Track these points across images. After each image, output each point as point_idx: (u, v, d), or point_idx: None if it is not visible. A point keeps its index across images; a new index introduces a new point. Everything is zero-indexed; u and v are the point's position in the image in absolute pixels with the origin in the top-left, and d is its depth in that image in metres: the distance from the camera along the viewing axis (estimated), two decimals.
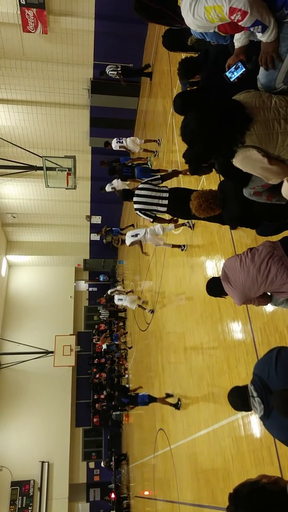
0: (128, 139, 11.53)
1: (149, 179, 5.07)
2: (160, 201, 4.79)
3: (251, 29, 1.96)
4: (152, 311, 11.32)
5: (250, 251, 2.77)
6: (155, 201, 4.80)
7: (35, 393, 19.28)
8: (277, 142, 2.15)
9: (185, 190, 4.92)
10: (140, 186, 4.98)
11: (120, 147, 11.51)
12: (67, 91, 13.81)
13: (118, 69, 11.87)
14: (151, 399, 9.07)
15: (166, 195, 4.79)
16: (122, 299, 13.56)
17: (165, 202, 4.78)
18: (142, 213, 4.97)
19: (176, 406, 7.76)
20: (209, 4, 1.92)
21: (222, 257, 5.44)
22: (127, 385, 16.81)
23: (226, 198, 3.22)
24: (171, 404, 8.03)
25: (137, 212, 5.03)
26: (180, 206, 4.60)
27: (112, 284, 22.36)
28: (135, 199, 4.96)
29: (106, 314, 18.83)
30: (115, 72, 11.85)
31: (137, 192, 4.96)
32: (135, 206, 4.99)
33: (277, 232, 3.39)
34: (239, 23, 1.93)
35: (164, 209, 4.83)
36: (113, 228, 16.93)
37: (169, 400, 8.28)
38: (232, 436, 4.96)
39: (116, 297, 13.86)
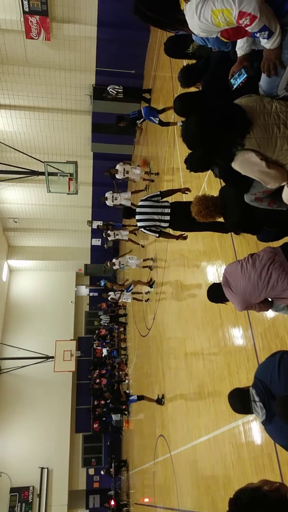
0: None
1: (148, 195, 5.03)
2: (163, 217, 4.76)
3: (257, 34, 1.93)
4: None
5: (251, 257, 2.77)
6: (157, 217, 4.77)
7: (35, 398, 19.19)
8: (275, 146, 2.17)
9: (186, 204, 4.92)
10: (141, 203, 4.94)
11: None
12: (69, 97, 13.90)
13: (120, 89, 12.19)
14: (139, 398, 10.95)
15: (168, 210, 4.76)
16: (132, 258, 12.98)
17: (167, 217, 4.75)
18: (147, 230, 4.91)
19: (160, 402, 9.38)
20: (217, 7, 1.87)
21: (223, 263, 5.44)
22: (127, 391, 16.73)
23: (227, 204, 3.21)
24: (156, 400, 9.70)
25: (142, 229, 4.96)
26: (183, 220, 4.60)
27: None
28: (137, 217, 4.91)
29: (107, 319, 18.82)
30: (115, 92, 12.25)
31: (138, 210, 4.92)
32: (139, 224, 4.91)
33: (278, 238, 3.38)
34: (247, 28, 1.90)
35: (167, 224, 4.80)
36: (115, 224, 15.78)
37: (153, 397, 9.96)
38: (232, 442, 4.93)
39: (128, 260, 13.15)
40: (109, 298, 16.72)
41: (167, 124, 9.05)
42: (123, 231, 13.83)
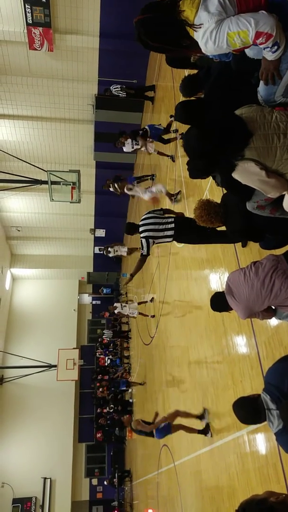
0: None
1: (151, 210, 5.08)
2: (166, 233, 4.78)
3: (267, 49, 1.95)
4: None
5: (254, 265, 2.76)
6: (161, 228, 4.79)
7: (38, 407, 19.07)
8: (275, 156, 2.17)
9: (190, 220, 4.98)
10: (144, 216, 4.98)
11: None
12: (72, 106, 14.03)
13: (123, 86, 12.20)
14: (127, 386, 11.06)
15: (171, 225, 4.79)
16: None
17: (171, 232, 4.77)
18: (149, 240, 4.81)
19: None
20: (232, 30, 1.87)
21: (226, 271, 5.43)
22: (130, 400, 16.62)
23: (229, 211, 3.21)
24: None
25: (143, 240, 4.87)
26: (189, 232, 4.63)
27: (115, 297, 22.28)
28: (141, 228, 4.90)
29: (110, 334, 18.61)
30: (119, 88, 12.13)
31: (142, 222, 4.95)
32: (142, 235, 4.88)
33: (280, 245, 3.38)
34: (261, 45, 1.92)
35: (170, 239, 4.82)
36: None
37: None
38: (237, 452, 4.87)
39: None
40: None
41: (168, 141, 9.07)
42: (122, 247, 14.02)
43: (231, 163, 2.23)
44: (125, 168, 15.60)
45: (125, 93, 12.19)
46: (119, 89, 12.16)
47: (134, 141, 10.39)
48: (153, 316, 11.80)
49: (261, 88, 2.27)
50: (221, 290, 3.08)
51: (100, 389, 19.24)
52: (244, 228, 3.22)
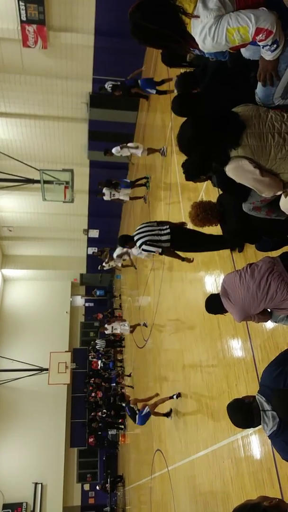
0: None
1: (145, 222, 5.03)
2: (162, 237, 4.72)
3: (266, 48, 1.94)
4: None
5: (249, 267, 2.77)
6: (156, 233, 4.73)
7: (29, 411, 18.92)
8: (269, 155, 2.17)
9: (186, 229, 5.06)
10: (139, 227, 4.94)
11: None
12: (66, 105, 13.94)
13: (118, 83, 12.03)
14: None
15: (167, 230, 4.76)
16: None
17: (167, 238, 4.71)
18: (148, 245, 4.71)
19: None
20: (232, 25, 1.86)
21: (221, 273, 5.38)
22: (123, 404, 16.49)
23: (225, 212, 3.20)
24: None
25: (143, 247, 4.75)
26: (183, 239, 4.62)
27: (109, 300, 22.18)
28: (136, 237, 4.85)
29: (103, 344, 18.46)
30: (112, 84, 12.04)
31: (137, 232, 4.90)
32: (139, 242, 4.80)
33: (276, 247, 3.38)
34: (260, 43, 1.91)
35: (167, 244, 4.74)
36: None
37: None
38: (231, 457, 4.83)
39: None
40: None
41: (165, 92, 9.13)
42: (117, 260, 14.16)
43: (226, 154, 2.19)
44: (119, 168, 15.53)
45: (119, 84, 12.07)
46: (112, 84, 12.05)
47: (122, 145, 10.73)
48: (145, 325, 11.75)
49: (259, 89, 2.27)
50: (216, 292, 3.03)
51: (93, 394, 19.09)
52: (240, 229, 3.21)
